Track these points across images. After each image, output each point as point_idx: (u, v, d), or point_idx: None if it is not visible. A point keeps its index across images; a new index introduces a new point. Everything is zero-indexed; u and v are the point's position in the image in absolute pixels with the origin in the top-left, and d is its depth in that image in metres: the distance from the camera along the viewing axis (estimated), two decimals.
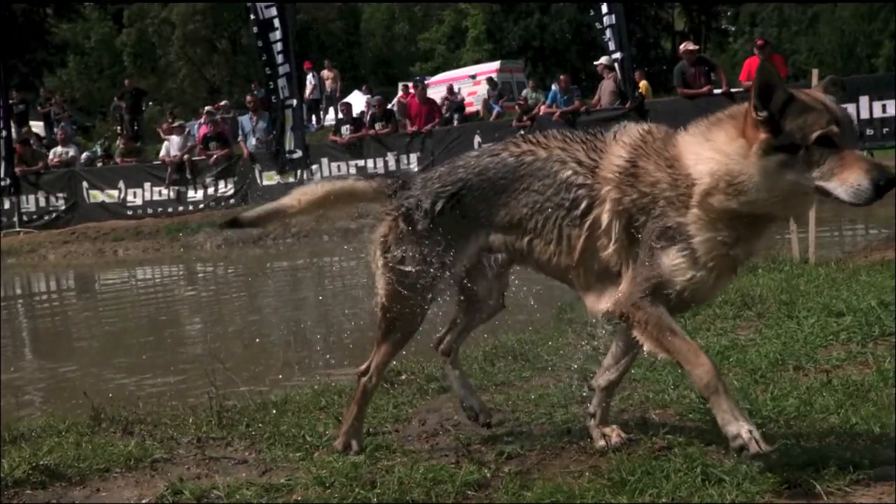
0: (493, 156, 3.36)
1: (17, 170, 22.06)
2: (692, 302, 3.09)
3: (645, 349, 3.06)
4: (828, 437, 3.26)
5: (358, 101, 25.71)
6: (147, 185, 21.41)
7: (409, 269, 3.39)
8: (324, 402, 4.57)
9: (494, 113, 24.64)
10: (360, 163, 19.47)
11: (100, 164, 23.41)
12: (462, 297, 3.65)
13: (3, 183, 21.85)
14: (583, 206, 3.12)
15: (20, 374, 7.92)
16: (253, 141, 20.90)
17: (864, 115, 15.36)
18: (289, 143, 19.54)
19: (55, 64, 50.34)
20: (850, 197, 2.71)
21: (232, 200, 20.51)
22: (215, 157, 20.75)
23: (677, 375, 4.11)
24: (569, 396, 4.13)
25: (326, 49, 45.28)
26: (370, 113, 21.11)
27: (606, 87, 18.32)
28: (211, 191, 20.88)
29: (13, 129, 23.39)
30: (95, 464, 3.66)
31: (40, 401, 6.90)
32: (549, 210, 3.18)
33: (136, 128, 25.82)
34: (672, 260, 2.95)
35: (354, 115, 21.57)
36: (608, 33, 17.76)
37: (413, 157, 19.14)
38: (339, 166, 19.71)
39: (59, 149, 23.17)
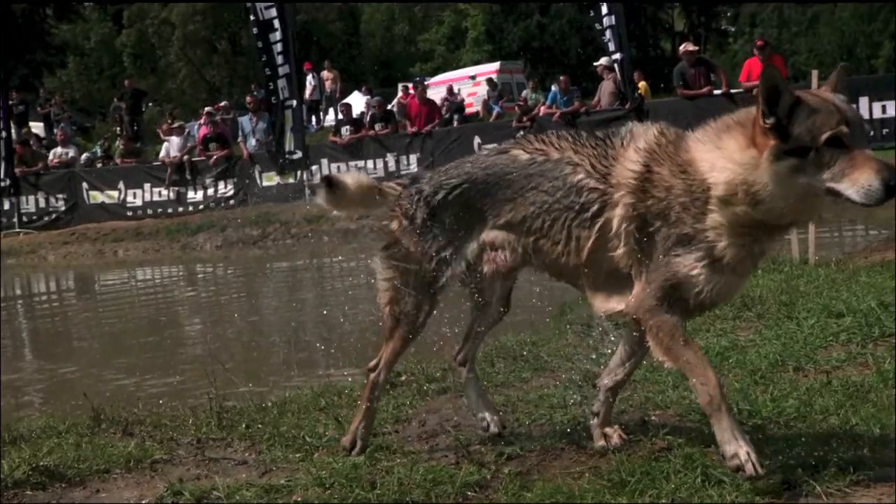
0: (502, 153, 3.36)
1: (16, 170, 22.07)
2: (710, 306, 3.09)
3: (654, 355, 3.05)
4: (828, 437, 3.26)
5: (358, 101, 25.72)
6: (147, 185, 21.41)
7: (414, 261, 3.40)
8: (324, 403, 4.57)
9: (494, 114, 24.65)
10: (360, 163, 19.46)
11: (100, 165, 23.42)
12: (474, 305, 3.65)
13: (2, 184, 21.85)
14: (594, 208, 3.09)
15: (20, 375, 7.92)
16: (253, 142, 20.90)
17: (864, 115, 15.35)
18: (288, 143, 19.54)
19: (55, 65, 50.34)
20: (860, 198, 2.69)
21: (232, 201, 20.52)
22: (215, 157, 20.76)
23: (677, 376, 4.10)
24: (568, 397, 4.13)
25: (326, 50, 45.26)
26: (370, 114, 21.12)
27: (606, 87, 18.32)
28: (211, 191, 20.88)
29: (13, 130, 23.40)
30: (95, 465, 3.66)
31: (40, 401, 6.90)
32: (558, 211, 3.16)
33: (135, 128, 25.82)
34: (691, 267, 2.93)
35: (354, 115, 21.59)
36: (608, 34, 17.76)
37: (413, 157, 19.14)
38: (338, 167, 19.68)
39: (58, 149, 23.18)
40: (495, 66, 33.92)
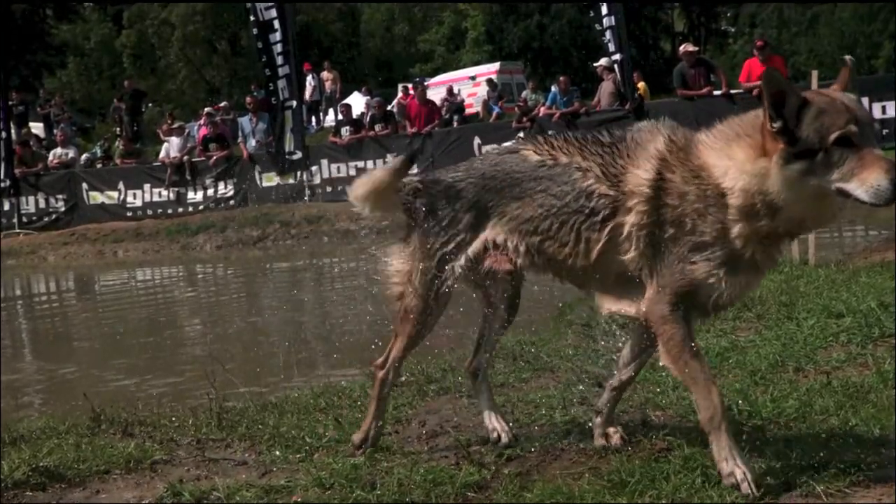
0: (512, 153, 3.35)
1: (16, 171, 22.08)
2: (726, 307, 3.10)
3: (661, 362, 3.05)
4: (828, 438, 3.26)
5: (358, 102, 25.72)
6: (147, 186, 21.41)
7: (422, 256, 3.41)
8: (323, 404, 4.57)
9: (494, 114, 24.65)
10: (360, 164, 19.43)
11: (99, 166, 23.43)
12: (483, 310, 3.65)
13: (2, 184, 21.86)
14: (604, 212, 3.07)
15: (20, 376, 7.92)
16: (253, 142, 20.90)
17: None
18: (288, 144, 19.55)
19: (55, 65, 50.33)
20: (869, 197, 2.66)
21: (232, 202, 20.52)
22: (215, 158, 20.76)
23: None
24: (568, 398, 4.13)
25: (326, 50, 45.28)
26: (370, 114, 21.12)
27: (606, 88, 18.32)
28: (210, 192, 20.88)
29: (13, 131, 23.40)
30: (95, 465, 3.66)
31: (40, 402, 6.90)
32: (567, 215, 3.14)
33: (135, 129, 25.82)
34: (709, 273, 2.92)
35: (354, 116, 21.58)
36: (608, 34, 17.75)
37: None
38: (338, 167, 19.71)
39: (58, 150, 23.18)
40: (495, 66, 33.91)
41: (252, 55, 32.67)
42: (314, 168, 19.78)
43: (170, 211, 21.04)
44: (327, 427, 4.01)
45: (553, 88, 20.25)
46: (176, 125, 22.82)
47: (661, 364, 3.09)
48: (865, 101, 15.54)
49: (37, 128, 27.48)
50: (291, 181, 19.91)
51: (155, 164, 22.24)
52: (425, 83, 25.03)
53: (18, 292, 15.88)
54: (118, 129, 26.68)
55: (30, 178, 22.20)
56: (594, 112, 18.26)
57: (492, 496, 3.06)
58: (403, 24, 55.09)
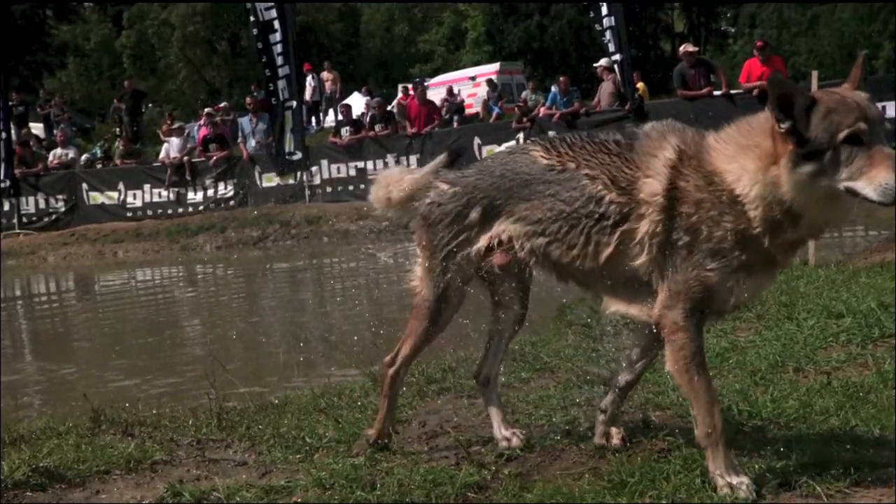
0: (523, 153, 3.33)
1: (16, 171, 22.08)
2: (738, 308, 3.11)
3: (667, 369, 3.04)
4: (828, 438, 3.26)
5: (357, 102, 25.72)
6: (147, 186, 21.42)
7: (432, 253, 3.42)
8: (323, 404, 4.57)
9: (494, 114, 24.65)
10: (360, 164, 19.47)
11: (99, 166, 23.43)
12: (491, 315, 3.64)
13: (2, 185, 21.86)
14: (615, 218, 3.04)
15: (20, 376, 7.92)
16: (253, 142, 20.90)
17: None
18: (288, 144, 19.55)
19: (55, 66, 50.31)
20: (878, 196, 2.63)
21: (232, 202, 20.53)
22: (215, 158, 20.76)
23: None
24: (568, 398, 4.13)
25: (326, 51, 45.29)
26: (370, 114, 21.12)
27: (606, 88, 18.32)
28: (210, 192, 20.88)
29: (13, 131, 23.40)
30: (95, 465, 3.66)
31: (40, 402, 6.90)
32: (576, 220, 3.11)
33: (135, 129, 25.82)
34: (726, 279, 2.89)
35: (354, 116, 21.59)
36: (608, 35, 17.75)
37: (413, 158, 19.12)
38: (338, 168, 19.71)
39: (58, 150, 23.18)
40: (495, 66, 33.90)
41: (252, 55, 32.68)
42: (314, 168, 19.78)
43: (170, 211, 21.05)
44: (327, 427, 4.01)
45: (553, 89, 20.25)
46: (176, 125, 22.83)
47: (666, 370, 3.07)
48: None
49: (37, 128, 27.48)
50: (291, 181, 19.92)
51: (155, 164, 22.24)
52: (425, 83, 25.04)
53: (18, 293, 15.88)
54: (118, 129, 26.68)
55: (30, 179, 22.21)
56: (594, 112, 18.26)
57: (492, 496, 3.06)
58: (403, 24, 55.07)
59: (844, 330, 4.90)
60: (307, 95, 26.07)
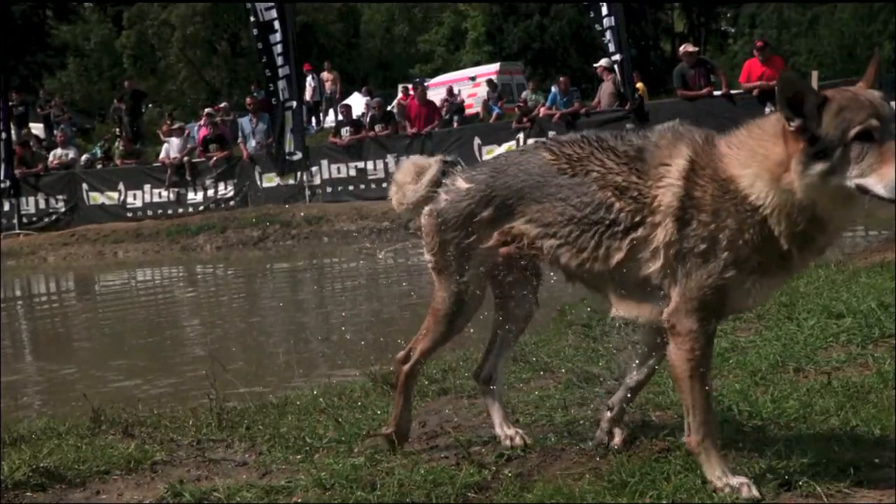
0: (536, 153, 3.31)
1: (16, 172, 22.09)
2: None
3: (670, 372, 3.03)
4: (828, 438, 3.26)
5: (358, 102, 25.72)
6: (147, 186, 21.43)
7: (452, 252, 3.39)
8: (324, 404, 4.57)
9: (494, 114, 24.65)
10: (360, 164, 19.48)
11: (99, 166, 23.44)
12: (499, 312, 3.62)
13: (2, 185, 21.87)
14: (626, 224, 3.02)
15: (20, 376, 7.93)
16: (253, 143, 20.91)
17: None
18: (289, 144, 19.56)
19: (55, 66, 50.30)
20: (888, 193, 2.59)
21: (232, 202, 20.54)
22: (215, 158, 20.76)
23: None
24: (569, 398, 4.13)
25: (326, 51, 45.28)
26: (370, 115, 21.12)
27: (606, 88, 18.32)
28: (211, 192, 20.89)
29: (13, 131, 23.40)
30: (95, 466, 3.66)
31: (40, 403, 6.91)
32: (587, 225, 3.10)
33: (135, 130, 25.82)
34: (745, 285, 2.89)
35: (354, 116, 21.59)
36: (608, 35, 17.75)
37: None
38: (338, 168, 19.72)
39: (58, 151, 23.19)
40: (495, 67, 33.91)
41: (252, 56, 32.69)
42: (314, 169, 19.79)
43: (170, 211, 21.06)
44: (327, 428, 4.01)
45: (553, 89, 20.25)
46: (176, 126, 22.85)
47: (668, 373, 3.06)
48: None
49: (37, 128, 27.49)
50: (291, 182, 19.93)
51: (155, 164, 22.26)
52: (425, 84, 25.02)
53: (18, 293, 15.89)
54: (118, 129, 26.69)
55: (30, 179, 22.22)
56: (594, 112, 18.26)
57: (492, 497, 3.06)
58: (403, 24, 55.07)
59: (845, 330, 4.90)
60: (307, 96, 26.07)
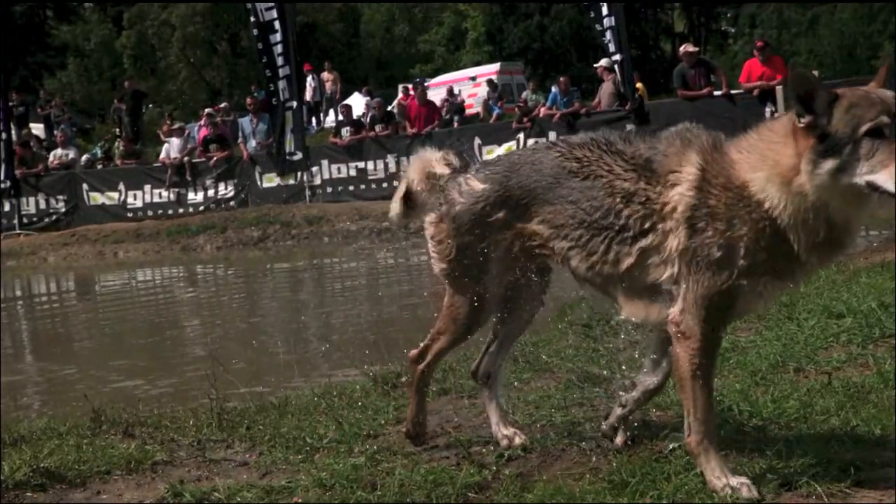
0: (548, 152, 3.29)
1: (17, 172, 22.09)
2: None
3: (674, 372, 3.03)
4: (828, 438, 3.26)
5: (358, 103, 25.73)
6: (147, 187, 21.43)
7: (468, 253, 3.36)
8: (324, 405, 4.56)
9: (494, 115, 24.65)
10: (361, 165, 19.49)
11: (100, 167, 23.45)
12: (502, 310, 3.59)
13: (3, 185, 21.87)
14: (635, 231, 3.01)
15: (21, 377, 7.93)
16: (253, 143, 20.91)
17: None
18: (289, 144, 19.56)
19: (55, 66, 50.34)
20: None
21: (232, 202, 20.54)
22: (215, 159, 20.77)
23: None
24: (569, 398, 4.13)
25: (326, 51, 45.29)
26: (370, 115, 21.12)
27: (606, 88, 18.33)
28: (211, 193, 20.89)
29: (13, 132, 23.40)
30: (96, 466, 3.66)
31: (40, 403, 6.91)
32: (596, 230, 3.09)
33: (135, 130, 25.82)
34: (756, 287, 2.88)
35: (354, 117, 21.59)
36: (608, 35, 17.75)
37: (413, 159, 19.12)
38: (339, 168, 19.72)
39: (59, 151, 23.20)
40: (495, 67, 33.92)
41: (252, 56, 32.71)
42: (314, 169, 19.80)
43: (170, 212, 21.06)
44: (328, 428, 4.01)
45: (553, 89, 20.25)
46: (176, 126, 22.86)
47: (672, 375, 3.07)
48: None
49: (37, 129, 27.49)
50: (292, 182, 19.94)
51: (155, 164, 22.27)
52: (425, 84, 25.03)
53: (19, 293, 15.89)
54: (118, 129, 26.69)
55: (30, 179, 22.22)
56: (594, 113, 18.27)
57: (492, 497, 3.06)
58: (403, 24, 55.10)
59: (845, 330, 4.90)
60: (307, 96, 26.09)
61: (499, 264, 3.37)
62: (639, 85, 19.02)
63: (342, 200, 19.24)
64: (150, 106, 39.99)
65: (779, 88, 15.57)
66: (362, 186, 19.32)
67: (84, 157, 24.22)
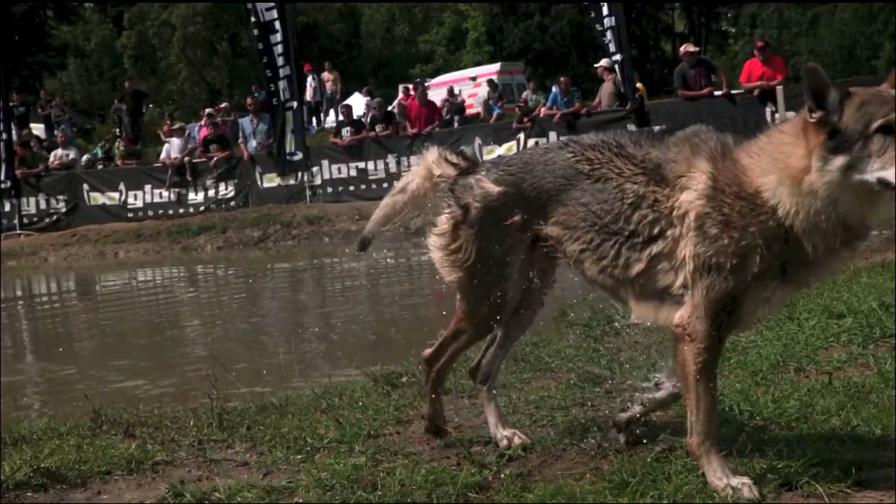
0: (560, 152, 3.28)
1: (17, 172, 22.09)
2: None
3: (678, 372, 3.04)
4: (829, 438, 3.26)
5: (358, 103, 25.73)
6: (147, 187, 21.43)
7: (484, 256, 3.33)
8: (325, 405, 4.56)
9: (495, 115, 24.64)
10: (361, 165, 19.49)
11: (100, 167, 23.44)
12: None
13: (3, 185, 21.87)
14: (644, 237, 3.01)
15: (21, 377, 7.93)
16: (253, 143, 20.92)
17: None
18: (289, 145, 19.57)
19: (55, 66, 50.33)
20: None
21: (233, 203, 20.54)
22: (216, 159, 20.77)
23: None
24: (569, 398, 4.13)
25: (327, 51, 45.30)
26: (370, 115, 21.13)
27: (607, 88, 18.33)
28: (211, 193, 20.89)
29: (14, 132, 23.40)
30: (97, 466, 3.66)
31: (41, 403, 6.90)
32: (607, 234, 3.09)
33: (136, 130, 25.82)
34: (770, 294, 2.90)
35: (355, 117, 21.59)
36: (608, 35, 17.76)
37: (414, 159, 19.05)
38: (339, 168, 19.72)
39: (59, 151, 23.20)
40: (496, 67, 33.94)
41: (253, 56, 32.66)
42: (315, 169, 19.80)
43: (171, 212, 21.06)
44: (328, 428, 4.01)
45: (554, 89, 20.25)
46: (176, 126, 22.85)
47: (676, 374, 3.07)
48: None
49: (37, 129, 27.49)
50: (292, 182, 19.94)
51: (156, 165, 22.27)
52: (426, 84, 25.03)
53: (19, 293, 15.89)
54: (119, 130, 26.68)
55: (30, 180, 22.22)
56: (595, 113, 18.27)
57: (493, 497, 3.06)
58: (404, 24, 55.10)
59: (845, 330, 4.90)
60: (308, 96, 26.10)
61: (519, 267, 3.36)
62: (638, 85, 19.04)
63: (342, 200, 19.24)
64: (151, 106, 39.96)
65: (779, 88, 15.57)
66: (363, 186, 19.31)
67: (84, 158, 24.21)
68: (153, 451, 3.84)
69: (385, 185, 18.30)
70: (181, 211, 20.96)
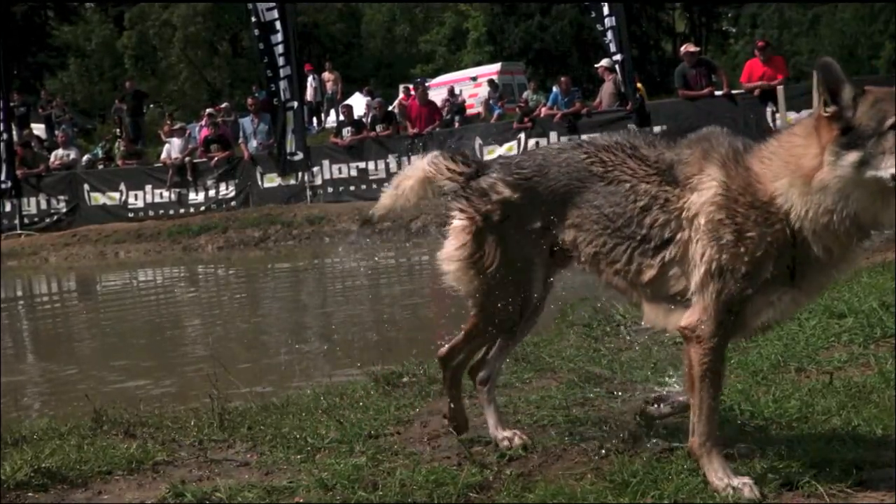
0: (573, 153, 3.27)
1: (18, 172, 22.10)
2: None
3: (685, 371, 3.04)
4: (830, 438, 3.26)
5: (359, 103, 25.74)
6: (148, 187, 21.44)
7: (502, 260, 3.31)
8: (325, 405, 4.56)
9: (495, 115, 24.65)
10: (361, 165, 19.48)
11: (101, 167, 23.45)
12: None
13: (4, 185, 21.88)
14: (656, 242, 3.01)
15: (22, 377, 7.93)
16: (254, 143, 20.92)
17: None
18: (290, 145, 19.57)
19: (56, 66, 50.37)
20: None
21: (233, 203, 20.55)
22: (216, 159, 20.77)
23: (679, 377, 4.10)
24: (570, 398, 4.13)
25: (327, 51, 45.31)
26: (371, 115, 21.13)
27: (607, 88, 18.33)
28: (212, 193, 20.90)
29: (14, 132, 23.42)
30: (97, 466, 3.66)
31: (41, 403, 6.90)
32: (619, 238, 3.09)
33: (136, 130, 25.84)
34: (783, 300, 2.89)
35: (355, 117, 21.59)
36: (609, 35, 17.75)
37: (414, 159, 19.07)
38: (340, 168, 19.72)
39: (60, 151, 23.21)
40: (496, 67, 33.94)
41: (253, 56, 32.71)
42: (315, 169, 19.80)
43: (171, 212, 21.07)
44: (329, 428, 4.01)
45: (554, 89, 20.24)
46: (177, 126, 22.87)
47: (683, 373, 3.07)
48: None
49: (38, 129, 27.50)
50: (293, 182, 19.95)
51: (156, 165, 22.28)
52: (426, 84, 25.02)
53: (20, 293, 15.89)
54: (119, 130, 26.71)
55: (31, 180, 22.23)
56: (595, 113, 18.26)
57: (494, 497, 3.06)
58: (404, 24, 55.10)
59: (846, 330, 4.90)
60: (308, 96, 26.10)
61: (542, 268, 3.36)
62: (639, 85, 19.04)
63: (343, 200, 19.24)
64: (151, 106, 40.00)
65: (780, 88, 15.56)
66: (363, 186, 19.30)
67: (85, 158, 24.22)
68: (154, 451, 3.84)
69: (385, 185, 18.25)
70: (182, 211, 20.97)
